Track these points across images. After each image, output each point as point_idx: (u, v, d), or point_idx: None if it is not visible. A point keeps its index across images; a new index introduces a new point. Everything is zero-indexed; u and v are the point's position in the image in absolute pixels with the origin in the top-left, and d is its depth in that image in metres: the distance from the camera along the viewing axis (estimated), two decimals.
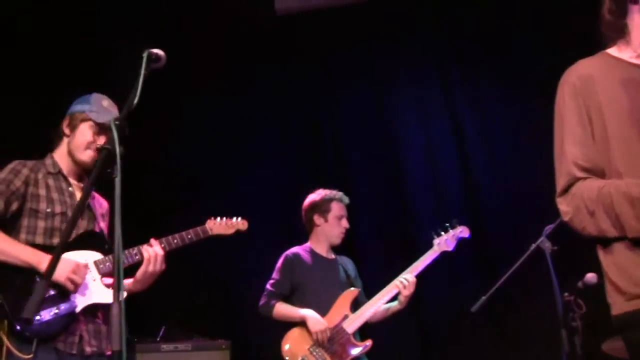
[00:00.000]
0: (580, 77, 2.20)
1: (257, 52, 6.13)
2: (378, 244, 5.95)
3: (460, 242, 4.80)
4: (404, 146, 6.19)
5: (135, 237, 3.33)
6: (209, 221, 3.70)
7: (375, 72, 6.29)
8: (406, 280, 4.53)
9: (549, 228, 4.28)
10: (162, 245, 3.40)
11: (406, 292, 4.51)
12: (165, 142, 5.95)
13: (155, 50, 2.44)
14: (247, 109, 6.20)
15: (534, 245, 4.32)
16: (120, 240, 1.98)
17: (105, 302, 3.29)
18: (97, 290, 3.29)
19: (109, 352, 3.33)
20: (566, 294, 4.16)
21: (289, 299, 4.63)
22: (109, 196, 3.64)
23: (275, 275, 4.69)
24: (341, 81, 6.35)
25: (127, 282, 3.47)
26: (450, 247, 4.73)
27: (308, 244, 4.84)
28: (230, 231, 3.83)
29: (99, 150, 2.14)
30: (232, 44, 6.07)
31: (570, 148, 2.18)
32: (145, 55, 2.38)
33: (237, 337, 5.15)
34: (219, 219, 3.76)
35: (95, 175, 2.12)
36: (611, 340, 3.97)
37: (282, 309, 4.56)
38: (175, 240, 3.48)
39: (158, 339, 5.08)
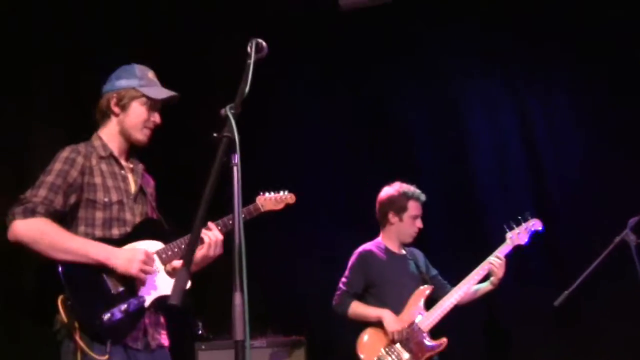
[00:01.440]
0: None
1: (321, 48, 6.08)
2: (445, 241, 5.86)
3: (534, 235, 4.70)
4: (471, 141, 6.09)
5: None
6: (258, 197, 3.61)
7: (441, 67, 6.20)
8: (498, 258, 4.50)
9: (633, 220, 4.20)
10: (219, 228, 3.26)
11: (500, 272, 4.47)
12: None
13: (260, 40, 2.44)
14: (315, 105, 6.15)
15: (618, 238, 4.24)
16: (242, 227, 1.94)
17: None
18: (162, 282, 3.15)
19: (166, 344, 3.24)
20: None
21: (362, 297, 4.58)
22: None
23: (348, 273, 4.64)
24: (406, 76, 6.28)
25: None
26: (523, 241, 4.64)
27: (380, 240, 4.77)
28: (280, 206, 3.74)
29: (219, 138, 2.08)
30: (294, 39, 6.04)
31: None
32: (253, 44, 2.37)
33: (312, 333, 5.11)
34: (267, 194, 3.66)
35: (219, 166, 2.05)
36: None
37: (358, 309, 4.51)
38: (231, 221, 3.14)
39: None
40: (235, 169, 2.07)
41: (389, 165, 5.82)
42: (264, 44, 2.46)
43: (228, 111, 2.15)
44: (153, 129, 3.32)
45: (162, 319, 3.27)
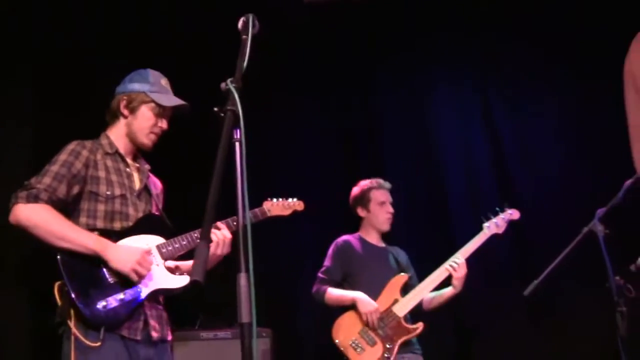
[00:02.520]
0: None
1: (287, 44, 5.98)
2: (412, 242, 5.87)
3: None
4: (440, 141, 6.17)
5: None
6: (266, 202, 3.66)
7: (410, 65, 6.24)
8: (455, 263, 4.53)
9: (601, 211, 4.23)
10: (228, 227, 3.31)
11: (458, 275, 4.50)
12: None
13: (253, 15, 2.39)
14: (279, 105, 6.06)
15: (586, 229, 4.25)
16: (247, 208, 1.88)
17: (169, 288, 3.19)
18: (161, 276, 3.17)
19: (169, 338, 3.27)
20: (617, 277, 4.08)
21: (340, 286, 4.64)
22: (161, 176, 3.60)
23: (326, 262, 4.71)
24: (376, 72, 6.28)
25: (190, 263, 3.36)
26: (500, 230, 4.73)
27: (358, 234, 4.88)
28: (288, 212, 3.80)
29: (223, 112, 2.01)
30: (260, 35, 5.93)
31: None
32: (250, 18, 2.32)
33: (276, 325, 5.04)
34: (275, 199, 3.71)
35: (226, 142, 1.98)
36: None
37: (334, 294, 4.57)
38: (235, 223, 3.34)
39: (196, 327, 4.98)
40: (238, 144, 1.99)
41: (355, 169, 5.82)
42: (256, 20, 2.40)
43: (230, 84, 2.07)
44: (159, 134, 3.38)
45: (165, 314, 3.28)
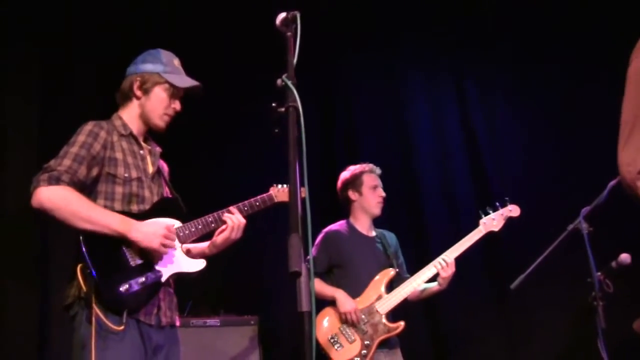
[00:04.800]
0: None
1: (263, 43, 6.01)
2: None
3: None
4: (415, 142, 6.29)
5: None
6: (272, 188, 3.65)
7: (387, 65, 6.34)
8: (444, 261, 4.45)
9: (585, 210, 4.37)
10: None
11: (445, 274, 4.44)
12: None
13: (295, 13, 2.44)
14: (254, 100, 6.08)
15: (571, 226, 4.40)
16: (307, 198, 1.95)
17: (188, 271, 3.22)
18: (180, 259, 3.20)
19: (178, 324, 3.28)
20: (598, 273, 4.23)
21: (326, 276, 4.60)
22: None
23: (312, 252, 4.61)
24: (353, 71, 6.37)
25: (202, 246, 3.43)
26: (497, 228, 4.58)
27: (348, 220, 4.80)
28: None
29: (285, 108, 2.07)
30: (232, 37, 5.97)
31: None
32: (297, 16, 2.37)
33: (264, 313, 5.11)
34: (280, 186, 3.68)
35: (295, 137, 2.06)
36: None
37: (315, 287, 4.43)
38: (246, 208, 3.44)
39: (185, 314, 5.01)
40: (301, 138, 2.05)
41: (331, 165, 5.87)
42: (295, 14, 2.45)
43: (287, 80, 2.13)
44: (173, 116, 3.36)
45: (175, 299, 3.28)
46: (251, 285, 5.73)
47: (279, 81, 2.17)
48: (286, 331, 5.52)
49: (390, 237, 4.87)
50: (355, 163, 4.93)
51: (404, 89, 6.35)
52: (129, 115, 3.32)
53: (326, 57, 6.22)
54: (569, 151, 5.66)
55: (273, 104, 2.11)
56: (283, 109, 2.11)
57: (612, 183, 4.13)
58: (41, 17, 5.25)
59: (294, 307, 4.96)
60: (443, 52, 6.32)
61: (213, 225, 3.33)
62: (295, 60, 2.25)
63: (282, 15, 2.47)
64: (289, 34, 2.39)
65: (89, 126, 3.17)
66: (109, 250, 3.00)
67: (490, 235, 4.64)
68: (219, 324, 4.96)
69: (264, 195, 3.57)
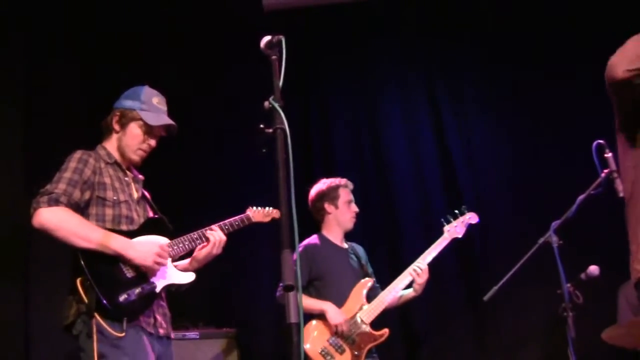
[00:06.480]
0: None
1: (244, 49, 6.09)
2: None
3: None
4: (389, 151, 6.38)
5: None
6: (249, 210, 3.90)
7: (362, 72, 6.43)
8: (419, 268, 4.64)
9: (556, 223, 4.49)
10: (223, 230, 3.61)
11: (420, 280, 4.63)
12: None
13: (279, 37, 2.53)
14: (235, 108, 6.16)
15: (542, 240, 4.51)
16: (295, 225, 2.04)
17: (182, 283, 3.46)
18: (172, 272, 3.43)
19: (172, 336, 3.48)
20: (568, 285, 4.35)
21: (305, 289, 4.67)
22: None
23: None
24: (329, 78, 6.46)
25: (184, 263, 3.62)
26: (460, 234, 4.83)
27: (321, 233, 4.89)
28: (267, 219, 4.03)
29: (273, 130, 2.17)
30: (218, 40, 6.05)
31: None
32: (282, 40, 2.45)
33: (242, 326, 5.17)
34: (256, 208, 3.95)
35: (285, 158, 2.16)
36: (612, 328, 4.19)
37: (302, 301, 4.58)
38: (227, 226, 3.67)
39: None
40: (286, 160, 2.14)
41: (306, 172, 5.97)
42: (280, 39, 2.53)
43: (273, 103, 2.22)
44: (148, 151, 3.54)
45: (168, 312, 3.48)
46: (230, 298, 5.80)
47: (266, 103, 2.25)
48: (265, 343, 5.57)
49: (360, 249, 5.00)
50: (329, 177, 5.03)
51: (380, 104, 6.45)
52: (111, 147, 3.52)
53: (302, 74, 6.34)
54: (540, 167, 5.80)
55: (260, 125, 2.19)
56: (271, 130, 2.18)
57: (581, 197, 4.27)
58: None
59: (275, 320, 5.04)
60: (416, 66, 6.43)
61: (198, 241, 3.55)
62: (281, 83, 2.33)
63: (267, 38, 2.55)
64: (274, 57, 2.46)
65: (77, 154, 3.37)
66: (106, 264, 3.19)
67: (462, 244, 4.94)
68: (198, 337, 5.03)
69: (242, 215, 3.84)
